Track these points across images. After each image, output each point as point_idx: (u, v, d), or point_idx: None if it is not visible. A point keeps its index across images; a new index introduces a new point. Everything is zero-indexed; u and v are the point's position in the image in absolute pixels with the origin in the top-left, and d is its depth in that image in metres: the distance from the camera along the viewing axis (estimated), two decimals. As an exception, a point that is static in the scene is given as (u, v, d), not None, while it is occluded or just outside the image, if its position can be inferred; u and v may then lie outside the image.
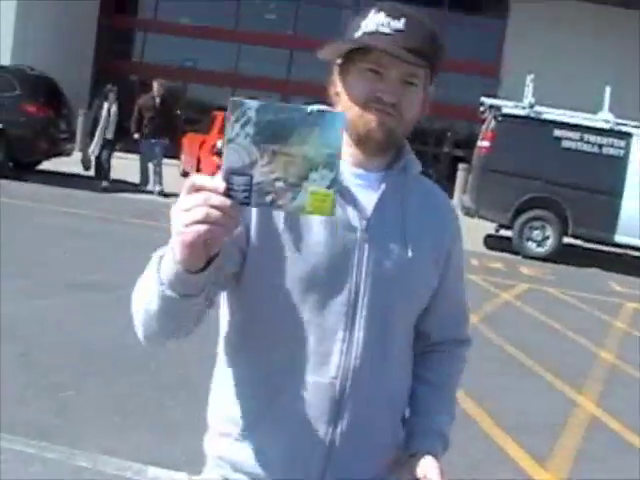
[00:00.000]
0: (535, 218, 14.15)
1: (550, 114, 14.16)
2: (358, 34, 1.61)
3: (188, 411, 4.70)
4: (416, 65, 1.59)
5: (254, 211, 1.59)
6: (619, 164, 13.85)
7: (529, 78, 14.54)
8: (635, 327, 9.56)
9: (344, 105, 1.62)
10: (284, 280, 1.61)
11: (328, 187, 1.25)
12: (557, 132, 13.96)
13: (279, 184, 1.23)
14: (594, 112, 14.43)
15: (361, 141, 1.65)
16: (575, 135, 13.94)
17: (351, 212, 1.64)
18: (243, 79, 25.38)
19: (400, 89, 1.61)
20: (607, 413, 6.05)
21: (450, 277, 1.82)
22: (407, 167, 1.74)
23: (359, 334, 1.64)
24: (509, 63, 23.06)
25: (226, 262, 1.51)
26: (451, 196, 19.91)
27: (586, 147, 13.93)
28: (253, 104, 1.22)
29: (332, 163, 1.25)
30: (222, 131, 16.07)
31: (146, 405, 4.93)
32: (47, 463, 3.93)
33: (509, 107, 14.21)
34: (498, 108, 14.19)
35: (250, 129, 1.22)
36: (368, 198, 1.67)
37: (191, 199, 1.24)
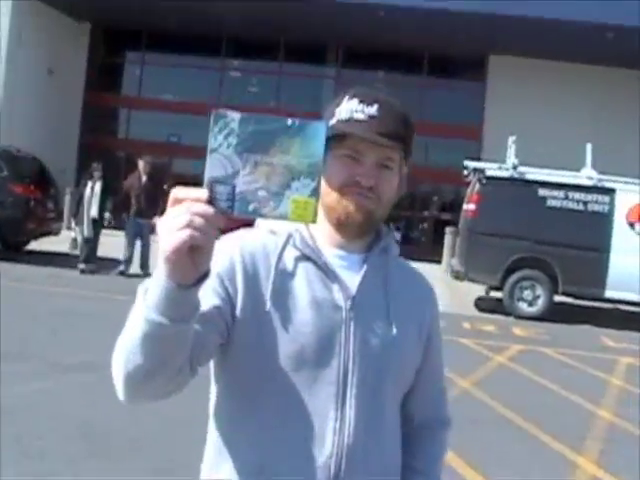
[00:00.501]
0: (525, 278, 14.19)
1: (534, 174, 14.30)
2: (333, 122, 1.65)
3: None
4: (391, 149, 1.64)
5: (240, 286, 1.61)
6: (605, 220, 13.97)
7: (511, 139, 14.71)
8: (631, 382, 9.52)
9: (323, 191, 1.62)
10: (273, 359, 1.62)
11: (310, 195, 1.27)
12: (542, 192, 14.09)
13: (262, 193, 1.26)
14: (577, 170, 14.58)
15: (341, 225, 1.69)
16: (560, 194, 14.08)
17: (336, 292, 1.66)
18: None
19: (377, 173, 1.65)
20: (608, 473, 5.99)
21: (432, 356, 1.87)
22: (387, 249, 1.78)
23: (350, 412, 1.65)
24: (490, 125, 23.37)
25: (211, 329, 1.53)
26: (439, 260, 19.96)
27: (571, 205, 14.05)
28: (236, 115, 1.26)
29: (313, 172, 1.27)
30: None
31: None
32: None
33: (493, 169, 14.34)
34: (482, 171, 14.32)
35: (233, 140, 1.26)
36: (351, 278, 1.70)
37: (175, 209, 1.27)
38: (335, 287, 1.67)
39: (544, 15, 19.21)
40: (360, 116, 1.64)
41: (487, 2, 19.08)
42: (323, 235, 1.71)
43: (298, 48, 24.91)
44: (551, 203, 14.09)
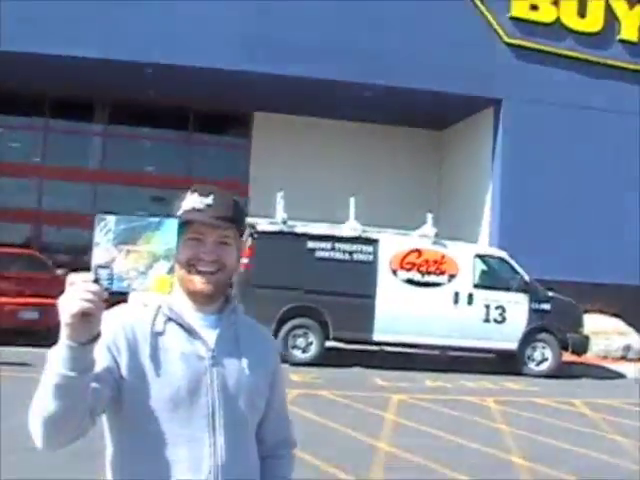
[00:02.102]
0: (297, 326, 14.86)
1: (302, 227, 15.11)
2: (180, 212, 2.13)
3: None
4: (226, 229, 2.12)
5: (123, 350, 2.04)
6: (369, 268, 15.00)
7: (279, 195, 15.43)
8: (403, 417, 10.33)
9: (177, 268, 2.09)
10: (155, 402, 2.06)
11: (167, 273, 1.83)
12: (310, 244, 14.94)
13: (132, 273, 1.80)
14: (342, 222, 15.55)
15: (192, 295, 2.15)
16: (327, 245, 14.99)
17: (199, 346, 2.13)
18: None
19: (217, 249, 2.11)
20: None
21: (278, 390, 2.38)
22: (235, 309, 2.26)
23: (220, 439, 2.11)
24: (258, 181, 23.93)
25: (104, 386, 1.96)
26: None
27: (338, 255, 15.00)
28: (111, 218, 1.81)
29: (169, 256, 1.84)
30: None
31: None
32: None
33: (264, 224, 14.98)
34: (253, 226, 14.88)
35: (110, 235, 1.80)
36: (210, 334, 2.16)
37: (70, 289, 1.73)
38: (198, 342, 2.13)
39: (303, 74, 20.27)
40: (200, 206, 2.09)
41: (252, 63, 19.87)
42: (185, 302, 2.16)
43: (65, 104, 24.58)
44: (319, 254, 14.95)
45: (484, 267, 16.07)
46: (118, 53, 19.25)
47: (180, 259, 2.07)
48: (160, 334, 2.08)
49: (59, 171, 24.79)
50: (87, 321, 1.73)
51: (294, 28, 20.04)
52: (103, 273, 1.78)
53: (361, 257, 15.08)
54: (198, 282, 2.09)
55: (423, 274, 15.34)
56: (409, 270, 15.26)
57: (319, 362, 14.68)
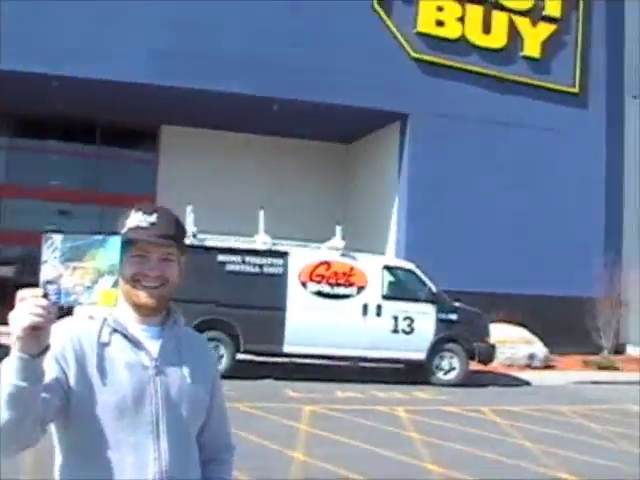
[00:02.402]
0: (208, 340, 14.71)
1: (213, 241, 15.08)
2: (125, 230, 2.21)
3: None
4: (168, 246, 2.22)
5: (70, 361, 2.12)
6: (279, 281, 15.08)
7: (189, 209, 15.34)
8: (316, 427, 10.43)
9: (121, 283, 2.14)
10: (101, 410, 2.13)
11: (112, 286, 1.91)
12: (220, 257, 14.93)
13: (79, 288, 1.89)
14: (251, 235, 15.59)
15: (137, 308, 2.25)
16: (237, 258, 15.01)
17: (143, 356, 2.23)
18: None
19: (161, 265, 2.23)
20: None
21: (217, 396, 2.48)
22: (177, 321, 2.35)
23: (164, 445, 2.20)
24: (165, 194, 23.63)
25: (53, 396, 2.03)
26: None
27: (249, 268, 15.03)
28: (58, 236, 1.91)
29: (113, 271, 1.92)
30: None
31: None
32: None
33: (174, 238, 14.84)
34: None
35: (57, 253, 1.89)
36: (153, 345, 2.26)
37: (20, 304, 1.82)
38: (142, 352, 2.22)
39: (211, 88, 20.25)
40: (144, 224, 2.18)
41: (160, 77, 19.76)
42: (129, 315, 2.25)
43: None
44: (230, 267, 14.96)
45: (392, 279, 16.29)
46: (25, 65, 18.85)
47: (125, 274, 2.15)
48: (106, 345, 2.17)
49: (18, 191, 24.17)
50: (37, 334, 1.82)
51: (201, 41, 20.07)
52: (51, 288, 1.86)
53: (271, 270, 15.15)
54: (142, 296, 2.19)
55: (332, 286, 15.48)
56: (319, 282, 15.38)
57: (230, 375, 14.62)
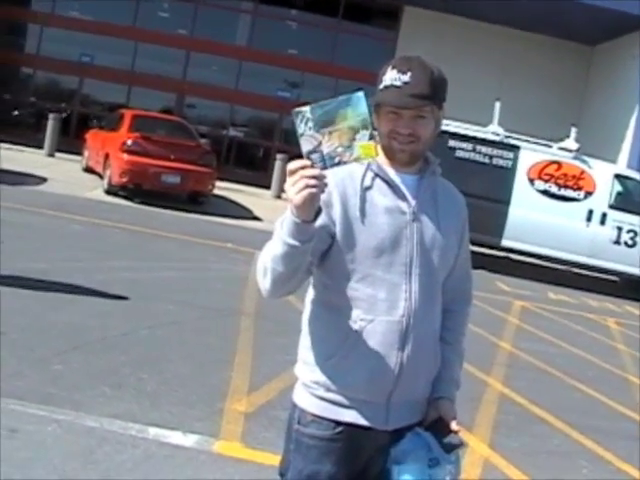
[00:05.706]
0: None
1: (444, 126, 15.05)
2: (380, 87, 2.30)
3: (161, 382, 5.28)
4: (422, 105, 2.27)
5: (336, 205, 2.28)
6: (507, 174, 14.97)
7: (497, 105, 15.35)
8: (525, 322, 10.57)
9: (380, 135, 2.32)
10: (361, 249, 2.31)
11: (369, 139, 2.03)
12: (451, 142, 14.94)
13: (340, 149, 2.02)
14: (484, 125, 15.49)
15: (393, 159, 2.37)
16: (468, 146, 14.97)
17: (401, 202, 2.35)
18: (139, 77, 25.47)
19: (413, 123, 2.28)
20: (514, 391, 6.92)
21: (464, 247, 2.57)
22: (434, 172, 2.46)
23: (415, 286, 2.35)
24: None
25: (319, 240, 2.21)
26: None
27: (478, 157, 14.98)
28: (306, 108, 2.02)
29: (367, 125, 2.03)
30: (131, 129, 16.30)
31: (127, 378, 5.45)
32: (61, 424, 4.42)
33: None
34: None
35: (310, 123, 2.01)
36: (411, 192, 2.38)
37: (292, 178, 1.98)
38: (400, 198, 2.35)
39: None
40: (397, 83, 2.23)
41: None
42: (387, 165, 2.39)
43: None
44: (459, 154, 14.95)
45: (621, 189, 15.67)
46: None
47: (380, 130, 2.30)
48: (369, 188, 2.31)
49: (205, 45, 25.27)
50: (312, 203, 1.99)
51: None
52: (315, 157, 1.99)
53: (500, 162, 15.02)
54: (396, 151, 2.31)
55: (560, 187, 15.19)
56: (546, 181, 15.14)
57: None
